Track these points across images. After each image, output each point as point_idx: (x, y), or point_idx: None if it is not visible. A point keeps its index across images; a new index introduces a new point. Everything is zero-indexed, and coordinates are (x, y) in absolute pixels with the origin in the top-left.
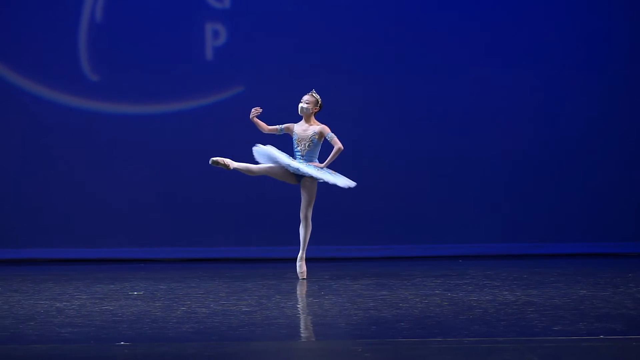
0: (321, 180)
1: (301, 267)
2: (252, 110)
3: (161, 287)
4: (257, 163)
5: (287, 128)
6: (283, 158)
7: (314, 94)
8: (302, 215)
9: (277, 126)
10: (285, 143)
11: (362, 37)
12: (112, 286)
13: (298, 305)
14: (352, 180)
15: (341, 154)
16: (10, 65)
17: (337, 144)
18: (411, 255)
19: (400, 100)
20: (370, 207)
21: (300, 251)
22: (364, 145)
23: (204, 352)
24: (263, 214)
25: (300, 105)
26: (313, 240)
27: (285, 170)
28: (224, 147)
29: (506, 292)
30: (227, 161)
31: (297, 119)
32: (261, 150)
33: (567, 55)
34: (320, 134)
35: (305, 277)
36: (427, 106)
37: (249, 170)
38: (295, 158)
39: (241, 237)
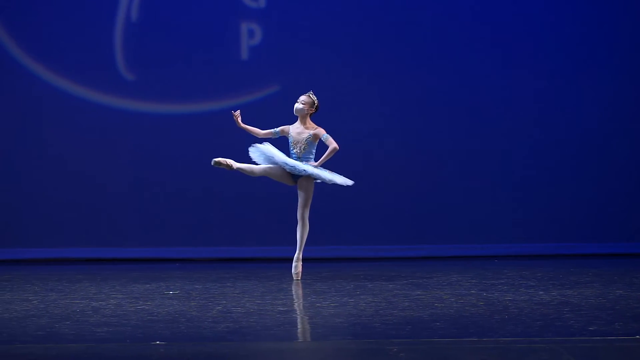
0: (318, 180)
1: (296, 267)
2: (234, 116)
3: (197, 286)
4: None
5: (283, 130)
6: (280, 156)
7: (311, 95)
8: (299, 216)
9: (272, 130)
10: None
11: (399, 36)
12: (148, 286)
13: (333, 305)
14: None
15: (378, 152)
16: (46, 64)
17: (332, 144)
18: (446, 255)
19: (436, 98)
20: (403, 207)
21: (297, 252)
22: (405, 144)
23: (240, 352)
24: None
25: (296, 105)
26: (349, 240)
27: (282, 170)
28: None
29: (542, 292)
30: (230, 162)
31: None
32: (259, 149)
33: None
34: (315, 136)
35: (299, 278)
36: (457, 105)
37: (251, 172)
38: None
39: (277, 237)
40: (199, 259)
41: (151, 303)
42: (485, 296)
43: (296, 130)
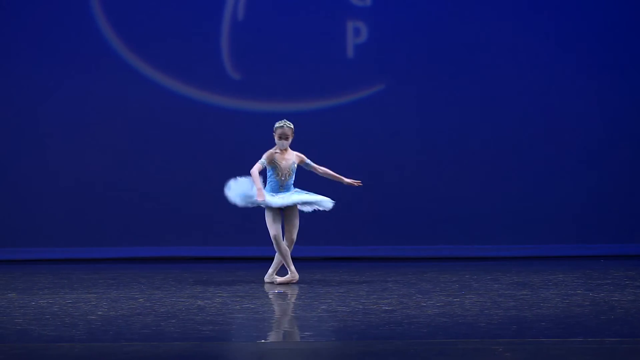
0: (306, 207)
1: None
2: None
3: (302, 285)
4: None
5: (270, 162)
6: (269, 200)
7: (288, 125)
8: (290, 240)
9: (261, 164)
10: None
11: (494, 37)
12: (253, 284)
13: (438, 305)
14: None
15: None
16: (154, 64)
17: (322, 167)
18: (553, 255)
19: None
20: (510, 206)
21: (272, 269)
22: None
23: (345, 351)
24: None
25: (283, 142)
26: (458, 240)
27: (277, 214)
28: (362, 143)
29: None
30: (283, 279)
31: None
32: (237, 188)
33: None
34: (301, 161)
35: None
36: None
37: (285, 252)
38: (271, 186)
39: (382, 236)
40: (305, 257)
41: (256, 302)
42: (591, 296)
43: (282, 157)
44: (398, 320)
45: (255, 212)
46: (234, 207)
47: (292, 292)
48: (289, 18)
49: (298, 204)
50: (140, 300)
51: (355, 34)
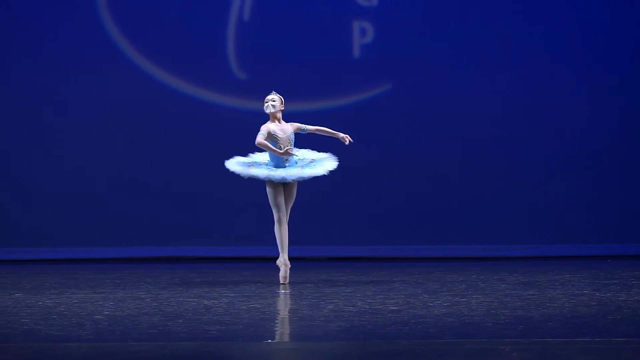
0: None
1: (287, 271)
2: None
3: (308, 285)
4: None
5: (269, 135)
6: (280, 173)
7: (277, 94)
8: (287, 217)
9: (262, 135)
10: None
11: (507, 37)
12: (260, 284)
13: (445, 305)
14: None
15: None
16: (160, 63)
17: (319, 126)
18: (559, 255)
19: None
20: (515, 206)
21: (284, 253)
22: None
23: (351, 351)
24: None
25: (268, 104)
26: (464, 240)
27: (280, 190)
28: (368, 143)
29: None
30: (285, 271)
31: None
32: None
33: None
34: (297, 128)
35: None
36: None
37: (284, 236)
38: (274, 161)
39: (388, 235)
40: (310, 257)
41: (263, 302)
42: (598, 296)
43: (279, 128)
44: (405, 320)
45: (259, 213)
46: (239, 207)
47: (299, 292)
48: (295, 18)
49: (292, 180)
50: (147, 300)
51: (362, 34)
